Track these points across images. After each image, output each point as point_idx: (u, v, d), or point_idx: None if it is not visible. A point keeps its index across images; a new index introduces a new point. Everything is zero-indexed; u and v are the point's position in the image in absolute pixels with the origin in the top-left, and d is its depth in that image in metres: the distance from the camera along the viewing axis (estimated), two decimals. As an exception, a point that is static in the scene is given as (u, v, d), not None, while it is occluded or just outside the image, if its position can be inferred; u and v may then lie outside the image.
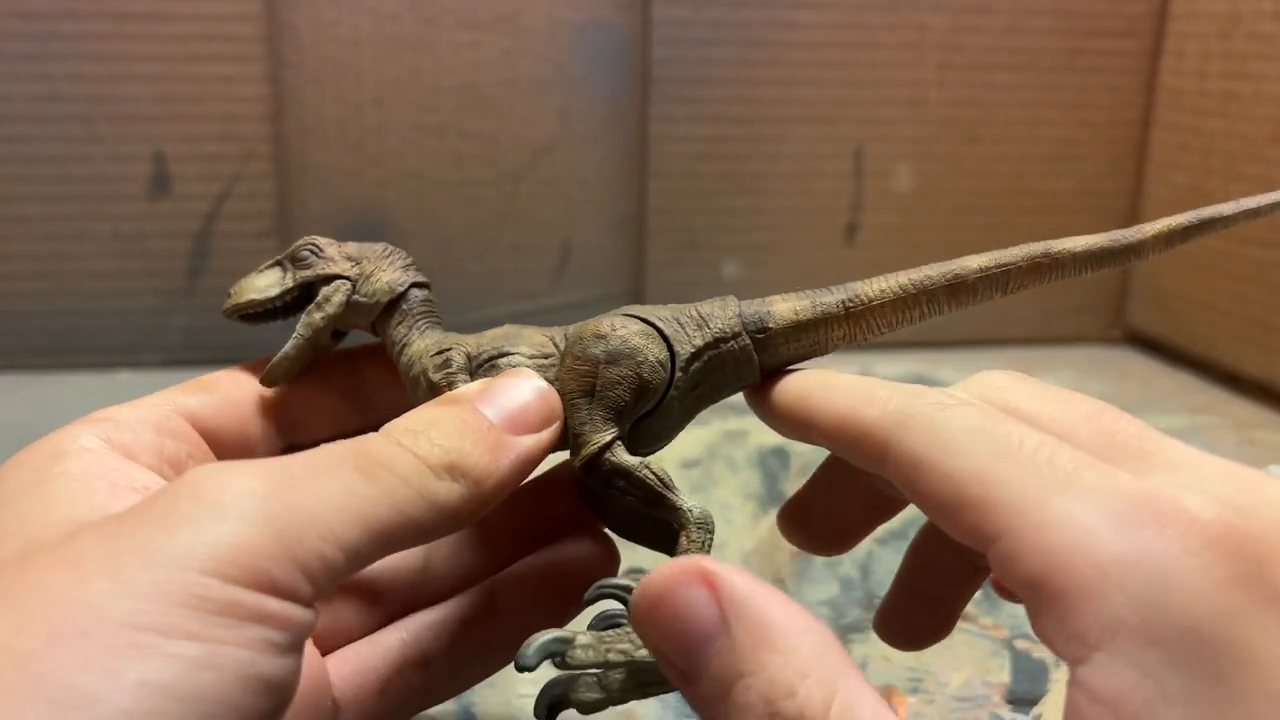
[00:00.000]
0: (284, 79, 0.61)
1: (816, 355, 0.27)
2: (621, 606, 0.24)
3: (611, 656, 0.23)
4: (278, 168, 0.62)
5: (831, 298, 0.27)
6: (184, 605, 0.18)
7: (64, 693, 0.16)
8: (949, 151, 0.68)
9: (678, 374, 0.26)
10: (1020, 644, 0.37)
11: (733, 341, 0.26)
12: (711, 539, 0.25)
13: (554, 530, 0.28)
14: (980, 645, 0.36)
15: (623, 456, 0.25)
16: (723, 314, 0.26)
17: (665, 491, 0.25)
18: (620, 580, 0.25)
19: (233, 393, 0.27)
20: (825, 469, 0.29)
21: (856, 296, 0.27)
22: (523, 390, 0.25)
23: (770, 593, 0.20)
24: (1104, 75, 0.68)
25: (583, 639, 0.23)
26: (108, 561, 0.18)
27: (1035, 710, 0.33)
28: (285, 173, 0.62)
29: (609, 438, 0.25)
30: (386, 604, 0.28)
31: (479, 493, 0.23)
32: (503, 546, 0.28)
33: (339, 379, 0.29)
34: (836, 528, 0.29)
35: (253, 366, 0.28)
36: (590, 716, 0.25)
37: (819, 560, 0.42)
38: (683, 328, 0.26)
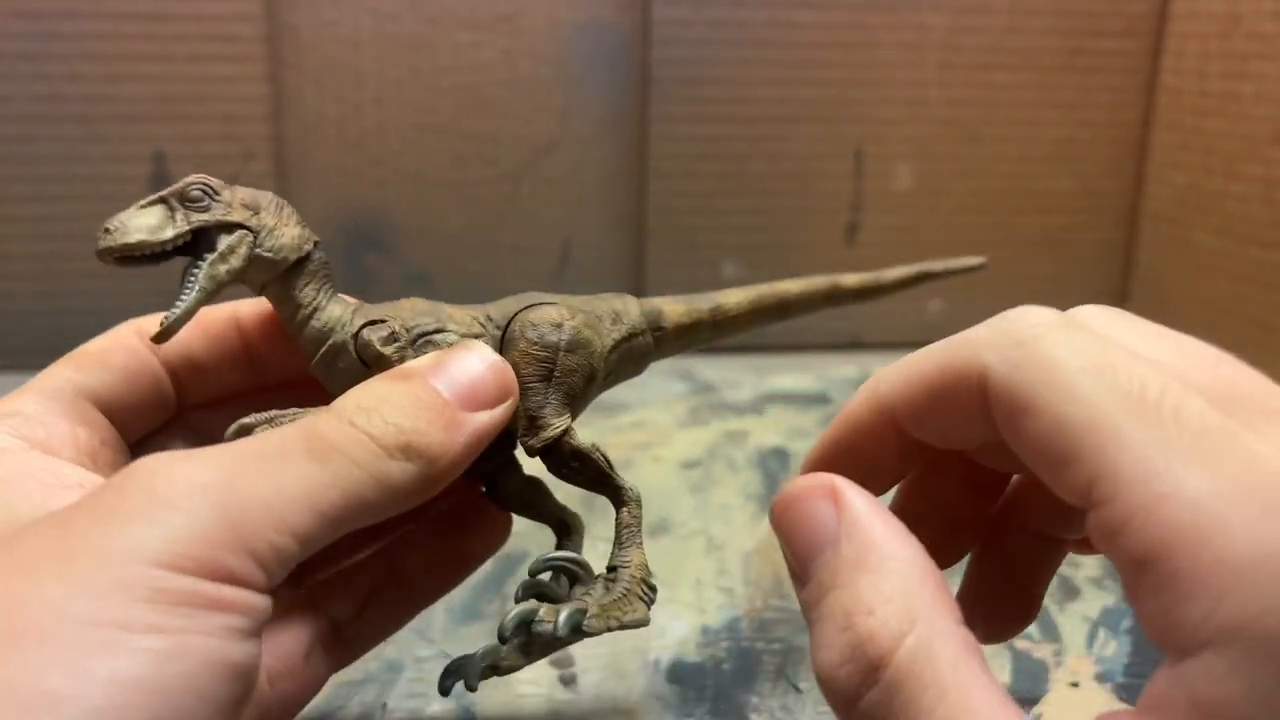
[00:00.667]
0: (284, 79, 0.61)
1: (682, 353, 0.31)
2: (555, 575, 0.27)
3: (615, 619, 0.26)
4: (278, 168, 0.62)
5: (703, 306, 0.31)
6: (145, 600, 0.18)
7: (32, 696, 0.16)
8: (949, 151, 0.68)
9: (604, 363, 0.28)
10: (1020, 644, 0.37)
11: (640, 337, 0.29)
12: (642, 512, 0.28)
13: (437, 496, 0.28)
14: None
15: (581, 440, 0.27)
16: (631, 311, 0.29)
17: (610, 472, 0.28)
18: (563, 554, 0.27)
19: (129, 365, 0.26)
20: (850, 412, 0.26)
21: (720, 307, 0.31)
22: (476, 365, 0.25)
23: (888, 519, 0.20)
24: (1104, 75, 0.68)
25: (593, 608, 0.26)
26: (61, 562, 0.18)
27: (1035, 710, 0.33)
28: (285, 173, 0.62)
29: (568, 422, 0.27)
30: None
31: (432, 472, 0.23)
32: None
33: (224, 339, 0.28)
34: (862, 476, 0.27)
35: (136, 329, 0.27)
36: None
37: (819, 560, 0.42)
38: (602, 320, 0.28)
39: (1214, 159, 0.64)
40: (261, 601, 0.19)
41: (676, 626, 0.37)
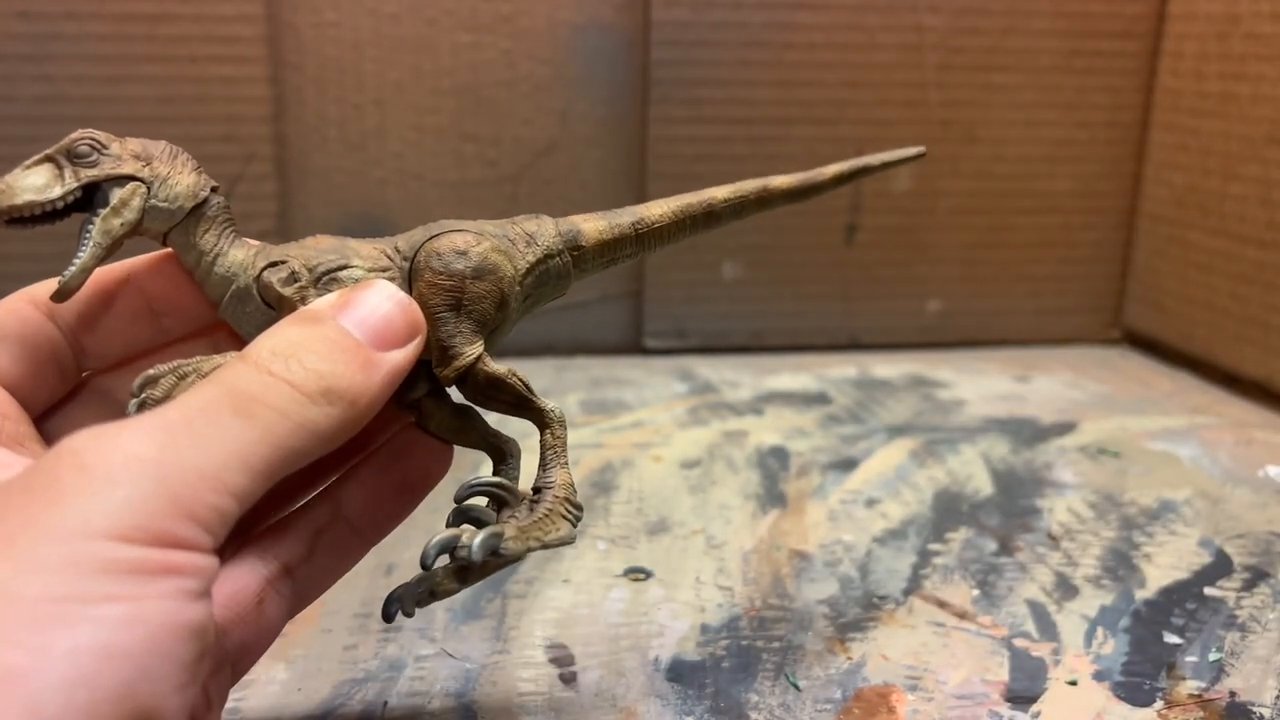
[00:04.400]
0: (285, 80, 0.61)
1: (609, 268, 0.31)
2: (485, 500, 0.27)
3: (535, 540, 0.26)
4: (279, 168, 0.62)
5: (625, 220, 0.30)
6: (97, 572, 0.18)
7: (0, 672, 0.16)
8: (948, 152, 0.68)
9: (518, 287, 0.28)
10: (1019, 642, 0.37)
11: (557, 258, 0.29)
12: (566, 433, 0.28)
13: (369, 432, 0.28)
14: (979, 644, 0.37)
15: (494, 366, 0.27)
16: (546, 232, 0.29)
17: (530, 395, 0.28)
18: (488, 478, 0.27)
19: (24, 334, 0.26)
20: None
21: (643, 219, 0.30)
22: (384, 303, 0.25)
23: None
24: (1102, 76, 0.68)
25: (509, 530, 0.26)
26: (3, 545, 0.18)
27: (1034, 709, 0.33)
28: (286, 173, 0.62)
29: (480, 349, 0.27)
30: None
31: (354, 414, 0.23)
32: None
33: (121, 297, 0.27)
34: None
35: (29, 297, 0.27)
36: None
37: (819, 559, 0.42)
38: (515, 244, 0.28)
39: (1212, 159, 0.64)
40: (209, 562, 0.20)
41: (676, 625, 0.37)
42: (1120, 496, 0.49)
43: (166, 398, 0.24)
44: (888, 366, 0.67)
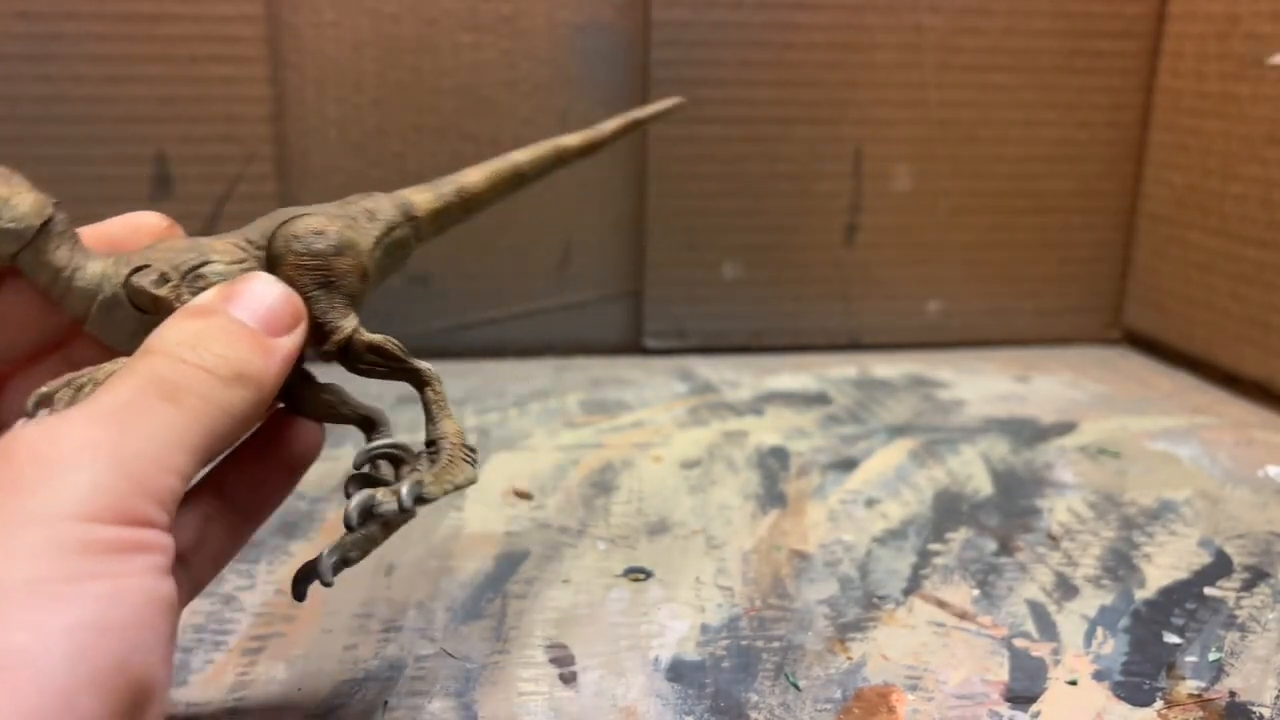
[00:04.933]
0: (285, 80, 0.61)
1: (440, 234, 0.32)
2: (386, 463, 0.29)
3: (448, 483, 0.28)
4: (279, 169, 0.62)
5: (448, 189, 0.32)
6: (78, 552, 0.19)
7: (4, 655, 0.17)
8: (948, 152, 0.68)
9: (372, 259, 0.29)
10: (1019, 642, 0.37)
11: (399, 229, 0.30)
12: (444, 388, 0.30)
13: None
14: (979, 644, 0.37)
15: (370, 335, 0.28)
16: (384, 207, 0.30)
17: (406, 358, 0.29)
18: (385, 440, 0.29)
19: None
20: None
21: (463, 188, 0.32)
22: (268, 292, 0.26)
23: None
24: (1102, 76, 0.68)
25: (427, 476, 0.27)
26: None
27: (1034, 708, 0.33)
28: (286, 174, 0.62)
29: (356, 321, 0.28)
30: None
31: (262, 396, 0.24)
32: None
33: (12, 302, 0.27)
34: None
35: None
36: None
37: (818, 559, 0.42)
38: (359, 220, 0.29)
39: (1212, 160, 0.64)
40: (169, 540, 0.21)
41: (676, 625, 0.37)
42: (1120, 496, 0.49)
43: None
44: (888, 366, 0.67)
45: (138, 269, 0.26)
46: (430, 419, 0.29)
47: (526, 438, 0.54)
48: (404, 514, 0.27)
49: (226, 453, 0.29)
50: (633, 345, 0.69)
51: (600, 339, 0.69)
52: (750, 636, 0.37)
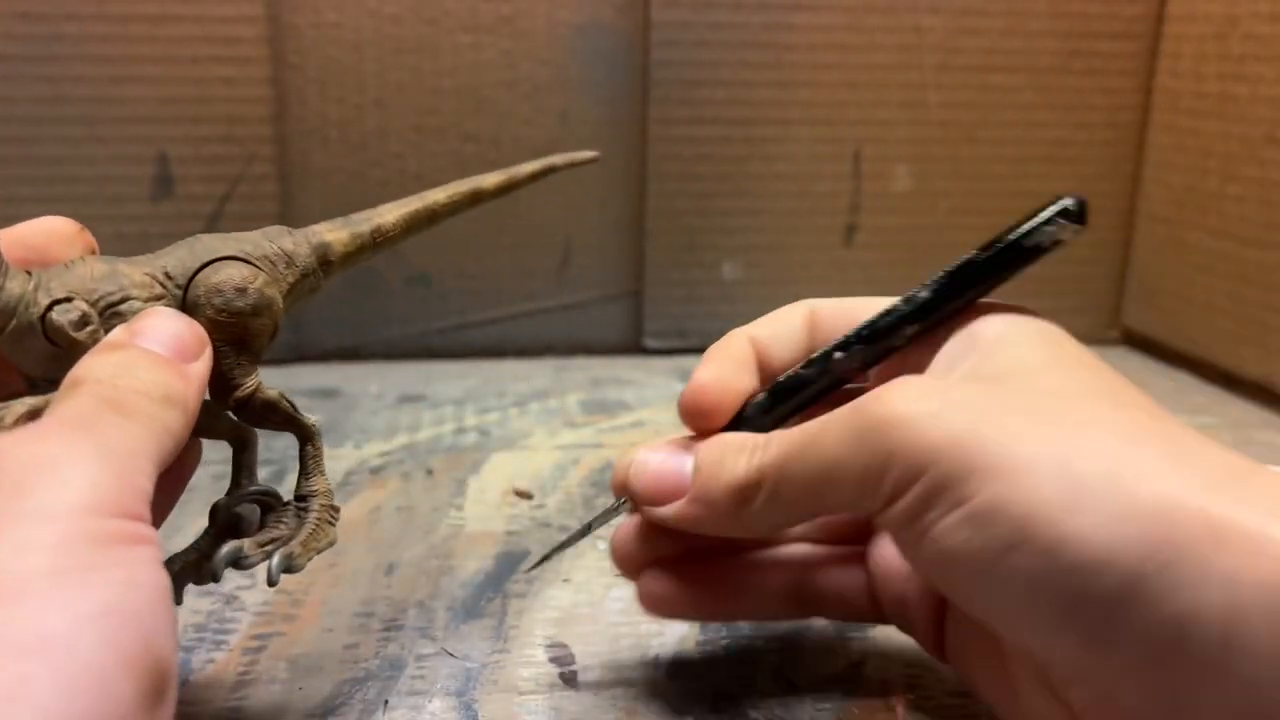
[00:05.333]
0: (286, 81, 0.61)
1: (351, 269, 0.32)
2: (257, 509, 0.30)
3: (314, 549, 0.29)
4: (280, 169, 0.62)
5: (364, 229, 0.32)
6: (91, 544, 0.19)
7: (38, 641, 0.18)
8: (947, 153, 0.68)
9: (282, 309, 0.30)
10: (1017, 642, 0.37)
11: (311, 277, 0.31)
12: (323, 445, 0.31)
13: None
14: (977, 643, 0.37)
15: (268, 393, 0.29)
16: (301, 251, 0.30)
17: (296, 414, 0.30)
18: (254, 488, 0.30)
19: None
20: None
21: (379, 228, 0.32)
22: (170, 324, 0.27)
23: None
24: (1101, 77, 0.68)
25: (295, 545, 0.29)
26: None
27: (1032, 707, 0.33)
28: (287, 174, 0.62)
29: (258, 379, 0.29)
30: None
31: (188, 418, 0.25)
32: None
33: None
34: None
35: None
36: None
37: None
38: (276, 266, 0.30)
39: (1210, 160, 0.65)
40: (157, 534, 0.22)
41: (676, 624, 0.37)
42: (1119, 496, 0.49)
43: None
44: (887, 367, 0.67)
45: (58, 301, 0.26)
46: (304, 473, 0.30)
47: (526, 437, 0.54)
48: (269, 581, 0.28)
49: None
50: (633, 345, 0.69)
51: (600, 339, 0.69)
52: (750, 636, 0.37)
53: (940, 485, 0.23)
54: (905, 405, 0.25)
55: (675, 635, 0.37)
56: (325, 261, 0.31)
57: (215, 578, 0.28)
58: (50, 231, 0.29)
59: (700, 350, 0.32)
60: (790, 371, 0.30)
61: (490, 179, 0.35)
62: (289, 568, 0.28)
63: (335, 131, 0.62)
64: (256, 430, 0.31)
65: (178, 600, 0.29)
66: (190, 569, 0.29)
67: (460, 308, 0.67)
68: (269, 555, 0.28)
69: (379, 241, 0.32)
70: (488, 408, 0.58)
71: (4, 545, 0.19)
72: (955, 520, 0.23)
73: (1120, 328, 0.74)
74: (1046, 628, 0.23)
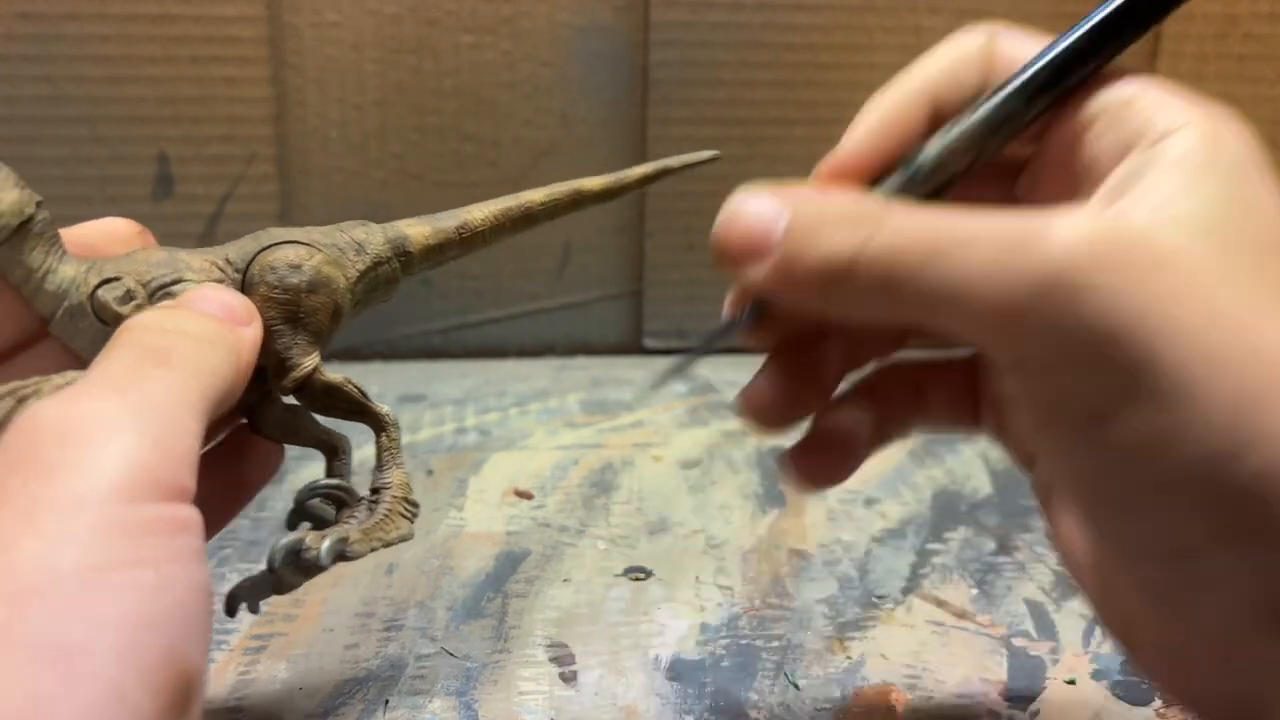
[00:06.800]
0: (286, 80, 0.61)
1: (436, 269, 0.32)
2: (330, 506, 0.29)
3: (378, 540, 0.28)
4: (280, 169, 0.62)
5: (449, 224, 0.31)
6: (121, 536, 0.18)
7: (55, 649, 0.17)
8: (947, 153, 0.68)
9: (350, 295, 0.29)
10: (1018, 642, 0.37)
11: (387, 265, 0.30)
12: (400, 434, 0.29)
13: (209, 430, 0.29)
14: (977, 643, 0.37)
15: (330, 375, 0.28)
16: (375, 240, 0.30)
17: (366, 401, 0.29)
18: (327, 481, 0.29)
19: None
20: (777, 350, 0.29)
21: (466, 224, 0.31)
22: (217, 293, 0.26)
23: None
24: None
25: (355, 532, 0.27)
26: (23, 520, 0.18)
27: (1032, 707, 0.33)
28: (288, 174, 0.62)
29: (316, 360, 0.28)
30: None
31: (239, 366, 0.24)
32: None
33: None
34: (794, 410, 0.29)
35: None
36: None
37: (818, 559, 0.42)
38: (345, 253, 0.29)
39: (1211, 160, 0.64)
40: (199, 516, 0.21)
41: (676, 624, 0.37)
42: (1119, 496, 0.49)
43: (5, 421, 0.23)
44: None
45: (106, 281, 0.26)
46: (379, 465, 0.29)
47: (526, 437, 0.54)
48: (319, 569, 0.27)
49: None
50: (633, 345, 0.69)
51: (600, 339, 0.69)
52: (750, 636, 0.37)
53: (1095, 388, 0.19)
54: (1086, 266, 0.19)
55: (675, 635, 0.37)
56: (403, 252, 0.30)
57: (271, 568, 0.27)
58: (110, 232, 0.29)
59: (700, 350, 0.32)
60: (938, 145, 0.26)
61: (594, 182, 0.34)
62: (343, 554, 0.27)
63: (335, 131, 0.62)
64: (347, 439, 0.30)
65: (253, 609, 0.28)
66: (263, 583, 0.28)
67: (460, 308, 0.67)
68: (367, 551, 0.27)
69: (466, 238, 0.31)
70: (488, 408, 0.58)
71: (33, 537, 0.18)
72: (1098, 438, 0.20)
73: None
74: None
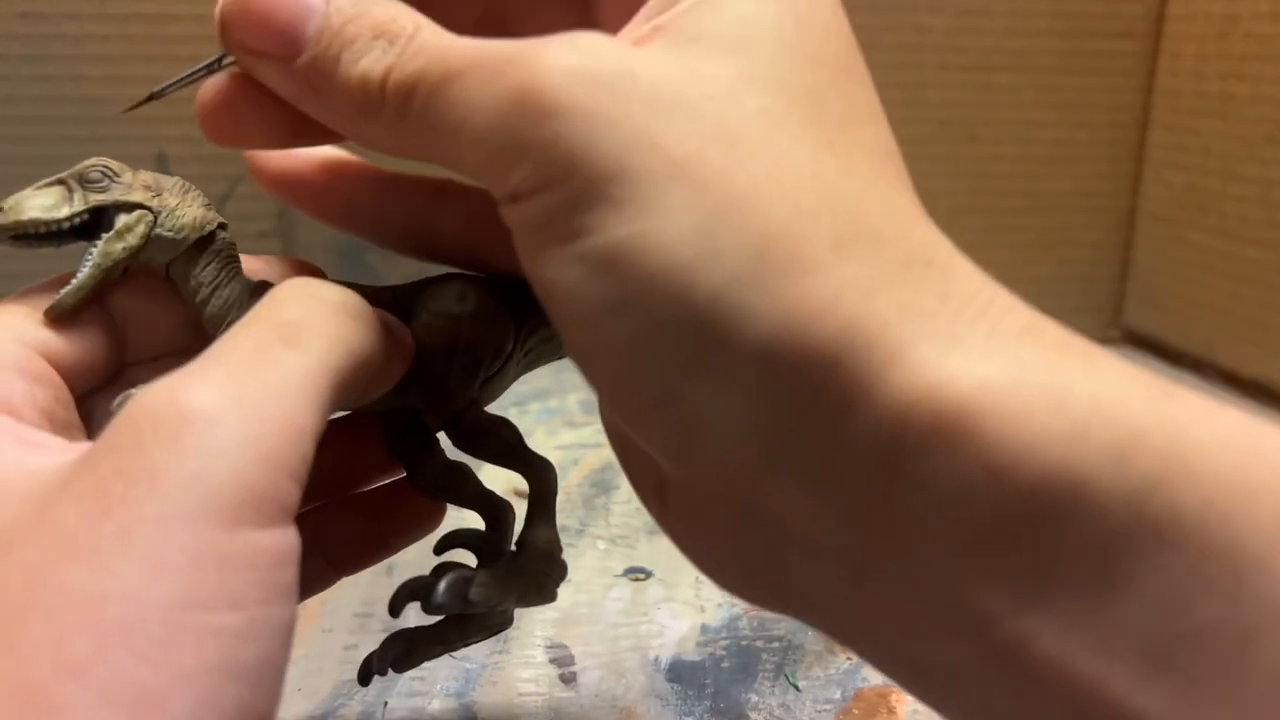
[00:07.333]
0: (285, 80, 0.61)
1: None
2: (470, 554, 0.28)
3: (512, 594, 0.26)
4: (279, 169, 0.62)
5: None
6: (217, 570, 0.17)
7: (135, 696, 0.16)
8: (947, 152, 0.68)
9: (517, 342, 0.27)
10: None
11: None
12: (557, 484, 0.27)
13: (361, 474, 0.28)
14: (978, 643, 0.37)
15: (485, 414, 0.27)
16: None
17: (520, 444, 0.27)
18: (468, 529, 0.27)
19: (81, 318, 0.25)
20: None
21: None
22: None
23: None
24: (1102, 76, 0.68)
25: (482, 574, 0.26)
26: (116, 541, 0.17)
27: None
28: (287, 174, 0.62)
29: (471, 394, 0.27)
30: None
31: (374, 341, 0.22)
32: (314, 482, 0.26)
33: (166, 293, 0.27)
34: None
35: (48, 286, 0.26)
36: None
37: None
38: (521, 297, 0.27)
39: (1211, 159, 0.64)
40: (296, 540, 0.19)
41: (676, 625, 0.37)
42: (1119, 496, 0.49)
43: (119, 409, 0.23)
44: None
45: None
46: (529, 518, 0.27)
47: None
48: (465, 625, 0.26)
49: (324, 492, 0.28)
50: (633, 345, 0.69)
51: (600, 339, 0.69)
52: (750, 636, 0.37)
53: (570, 203, 0.19)
54: (560, 85, 0.19)
55: (675, 635, 0.37)
56: None
57: (393, 613, 0.26)
58: (290, 266, 0.28)
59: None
60: None
61: None
62: (464, 595, 0.25)
63: (335, 131, 0.62)
64: (511, 505, 0.28)
65: (379, 672, 0.28)
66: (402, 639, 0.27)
67: (460, 307, 0.66)
68: (489, 601, 0.26)
69: None
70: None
71: (130, 562, 0.17)
72: (572, 253, 0.19)
73: (1121, 327, 0.74)
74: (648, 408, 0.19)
